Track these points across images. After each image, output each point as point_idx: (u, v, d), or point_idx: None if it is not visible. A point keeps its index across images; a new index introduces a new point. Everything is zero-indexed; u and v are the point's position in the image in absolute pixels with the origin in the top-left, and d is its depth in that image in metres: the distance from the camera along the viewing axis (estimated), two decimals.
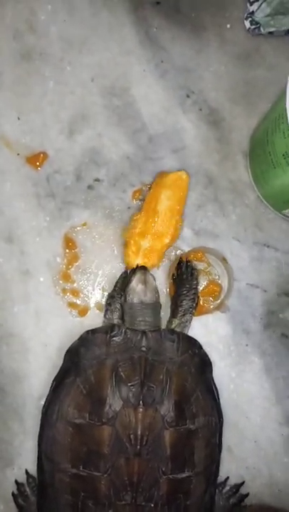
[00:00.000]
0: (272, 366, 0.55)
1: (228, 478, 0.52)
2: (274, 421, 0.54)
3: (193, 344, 0.49)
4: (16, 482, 0.49)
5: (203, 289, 0.55)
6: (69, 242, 0.55)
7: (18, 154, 0.56)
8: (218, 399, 0.49)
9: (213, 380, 0.50)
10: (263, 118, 0.54)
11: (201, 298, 0.53)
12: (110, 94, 0.58)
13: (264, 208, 0.57)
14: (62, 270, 0.55)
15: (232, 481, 0.52)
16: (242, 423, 0.54)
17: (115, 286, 0.52)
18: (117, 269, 0.55)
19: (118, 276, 0.53)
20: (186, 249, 0.56)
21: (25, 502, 0.48)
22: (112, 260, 0.55)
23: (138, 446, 0.42)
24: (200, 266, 0.55)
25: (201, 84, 0.58)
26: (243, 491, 0.52)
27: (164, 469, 0.43)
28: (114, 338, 0.47)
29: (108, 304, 0.51)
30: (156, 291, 0.50)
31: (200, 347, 0.49)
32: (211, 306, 0.55)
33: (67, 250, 0.55)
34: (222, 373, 0.54)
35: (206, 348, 0.50)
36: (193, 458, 0.45)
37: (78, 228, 0.56)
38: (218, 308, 0.55)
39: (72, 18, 0.58)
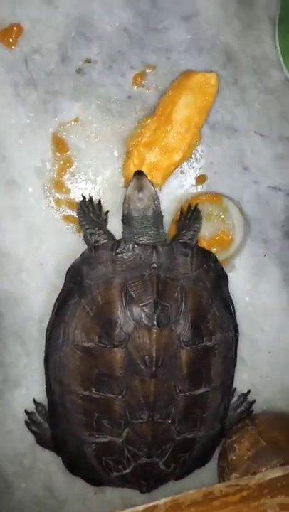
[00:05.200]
0: None
1: (235, 389, 0.53)
2: None
3: (208, 257, 0.47)
4: (26, 412, 0.50)
5: (212, 237, 0.50)
6: (59, 144, 0.50)
7: None
8: (234, 313, 0.49)
9: (229, 294, 0.49)
10: None
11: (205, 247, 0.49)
12: None
13: None
14: (54, 178, 0.51)
15: (244, 390, 0.54)
16: (256, 335, 0.54)
17: (82, 203, 0.49)
18: (118, 176, 0.51)
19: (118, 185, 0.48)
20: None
21: (39, 428, 0.49)
22: (112, 164, 0.51)
23: (153, 368, 0.43)
24: (216, 210, 0.50)
25: None
26: (254, 397, 0.54)
27: (180, 388, 0.44)
28: (120, 255, 0.45)
29: (82, 224, 0.48)
30: (155, 198, 0.47)
31: (215, 260, 0.48)
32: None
33: (57, 154, 0.50)
34: (237, 286, 0.53)
35: None
36: (210, 374, 0.46)
37: (68, 125, 0.50)
38: (223, 262, 0.51)
39: None
